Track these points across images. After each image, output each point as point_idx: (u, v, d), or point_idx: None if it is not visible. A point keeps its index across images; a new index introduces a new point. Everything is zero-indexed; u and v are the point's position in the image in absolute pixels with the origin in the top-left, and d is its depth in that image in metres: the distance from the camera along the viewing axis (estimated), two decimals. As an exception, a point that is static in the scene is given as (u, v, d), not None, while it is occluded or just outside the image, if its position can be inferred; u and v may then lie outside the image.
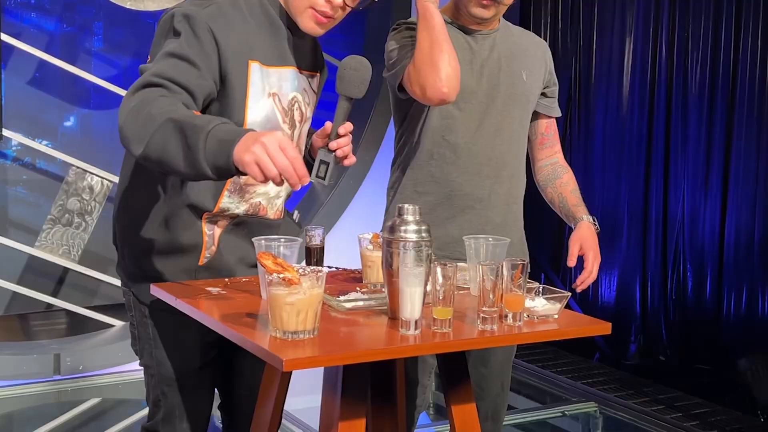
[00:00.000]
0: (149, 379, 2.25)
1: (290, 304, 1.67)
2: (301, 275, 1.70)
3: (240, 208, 2.16)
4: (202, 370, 2.22)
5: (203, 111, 2.04)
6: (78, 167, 4.38)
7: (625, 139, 5.10)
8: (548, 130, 2.71)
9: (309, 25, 2.12)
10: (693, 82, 4.78)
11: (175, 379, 2.19)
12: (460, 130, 2.51)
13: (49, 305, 4.40)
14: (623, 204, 5.12)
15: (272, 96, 2.12)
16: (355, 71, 2.06)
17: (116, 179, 4.28)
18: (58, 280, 4.46)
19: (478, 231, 2.42)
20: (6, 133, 4.20)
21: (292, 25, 2.16)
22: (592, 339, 5.04)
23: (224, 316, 1.82)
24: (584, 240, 2.57)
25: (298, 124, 2.21)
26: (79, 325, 4.55)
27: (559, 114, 2.72)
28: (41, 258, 4.34)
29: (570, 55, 5.30)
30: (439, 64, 2.30)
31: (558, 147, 2.76)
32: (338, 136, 2.09)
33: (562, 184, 2.72)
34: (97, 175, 4.40)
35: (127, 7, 4.38)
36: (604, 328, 1.87)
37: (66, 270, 4.43)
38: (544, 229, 4.98)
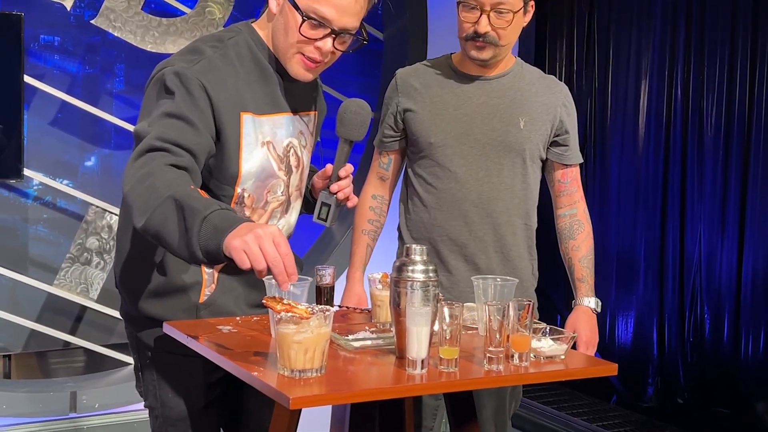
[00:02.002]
0: (154, 421, 2.27)
1: (298, 343, 1.70)
2: (309, 314, 1.72)
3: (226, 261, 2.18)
4: (206, 410, 2.24)
5: (203, 167, 2.07)
6: (97, 206, 4.43)
7: (641, 181, 5.08)
8: (564, 177, 2.71)
9: (298, 70, 2.15)
10: (708, 124, 4.77)
11: (179, 420, 2.22)
12: (446, 176, 2.55)
13: (67, 343, 4.42)
14: (640, 246, 5.10)
15: (266, 144, 2.15)
16: (354, 114, 2.11)
17: (136, 218, 4.37)
18: (75, 318, 4.48)
19: (465, 277, 2.47)
20: (27, 172, 4.25)
21: (282, 70, 2.18)
22: (609, 381, 5.01)
23: (234, 354, 1.85)
24: (577, 326, 2.61)
25: (294, 169, 2.24)
26: (96, 363, 4.57)
27: (576, 161, 2.71)
28: (59, 297, 4.37)
29: (585, 97, 5.31)
30: None
31: (579, 196, 2.75)
32: (339, 179, 2.13)
33: (573, 248, 2.73)
34: (116, 214, 4.42)
35: (148, 49, 4.46)
36: (610, 369, 1.89)
37: (84, 308, 4.45)
38: (558, 272, 4.97)
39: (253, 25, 2.21)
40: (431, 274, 1.87)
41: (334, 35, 2.09)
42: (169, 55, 4.38)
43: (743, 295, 4.64)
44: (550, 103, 2.66)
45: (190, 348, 2.01)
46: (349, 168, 2.15)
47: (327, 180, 2.17)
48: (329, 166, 2.17)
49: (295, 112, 2.24)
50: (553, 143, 2.67)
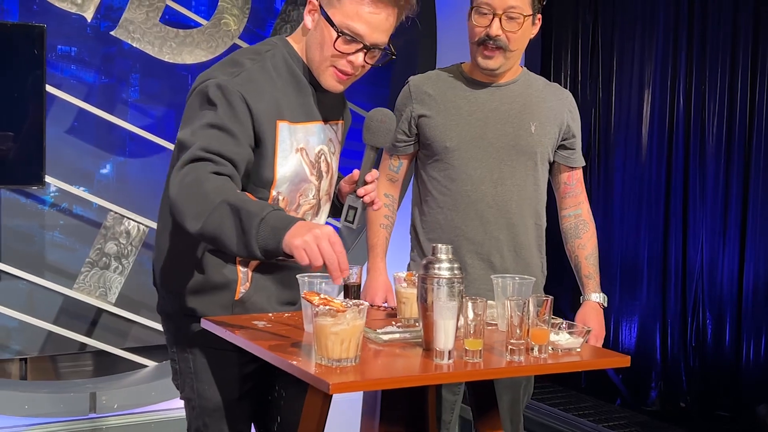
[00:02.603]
0: (190, 412, 2.41)
1: (335, 334, 1.85)
2: (345, 307, 1.87)
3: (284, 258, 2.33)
4: (241, 401, 2.38)
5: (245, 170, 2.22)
6: (116, 212, 4.54)
7: (643, 189, 5.17)
8: (570, 179, 2.87)
9: (331, 82, 2.31)
10: (710, 133, 4.86)
11: (215, 410, 2.36)
12: (461, 179, 2.70)
13: (82, 347, 4.54)
14: (643, 253, 5.19)
15: (300, 151, 2.31)
16: (381, 123, 2.25)
17: (152, 224, 4.51)
18: (91, 322, 4.60)
19: (480, 275, 2.62)
20: (47, 179, 4.33)
21: (315, 82, 2.34)
22: (614, 384, 5.11)
23: (272, 346, 1.99)
24: (587, 320, 2.76)
25: (324, 175, 2.39)
26: (111, 366, 4.68)
27: (580, 164, 2.88)
28: (75, 301, 4.47)
29: (590, 107, 5.42)
30: None
31: (583, 197, 2.91)
32: (365, 183, 2.28)
33: (579, 246, 2.89)
34: (133, 220, 4.56)
35: (166, 60, 4.59)
36: (623, 360, 2.04)
37: (99, 313, 4.57)
38: (565, 275, 5.05)
39: (288, 39, 2.37)
40: (456, 272, 2.01)
41: (365, 50, 2.25)
42: (183, 65, 4.56)
43: (744, 300, 4.72)
44: (557, 108, 2.82)
45: (226, 342, 2.16)
46: (374, 173, 2.29)
47: (353, 184, 2.31)
48: (356, 172, 2.31)
49: (325, 121, 2.40)
50: (561, 147, 2.83)
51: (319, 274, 2.17)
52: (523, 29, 2.63)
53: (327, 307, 1.86)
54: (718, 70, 4.79)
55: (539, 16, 2.67)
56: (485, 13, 2.62)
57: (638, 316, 5.20)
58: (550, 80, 5.08)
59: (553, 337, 2.05)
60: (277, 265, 2.36)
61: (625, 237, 5.27)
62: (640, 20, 5.12)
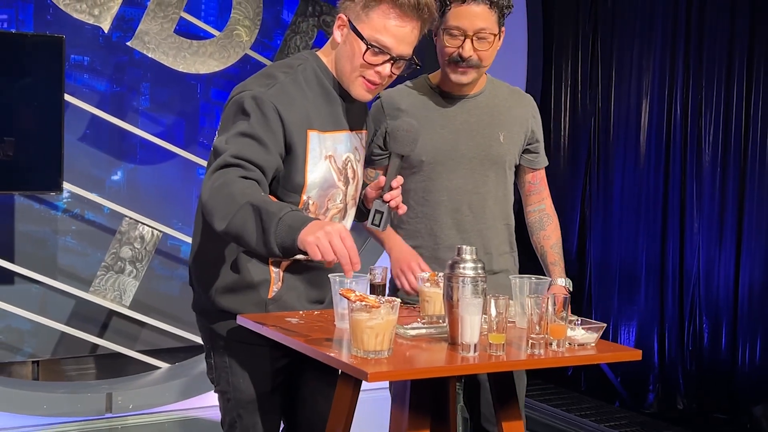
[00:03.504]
0: (225, 404, 2.56)
1: (370, 328, 2.02)
2: (379, 304, 2.05)
3: (300, 255, 2.49)
4: (273, 394, 2.54)
5: (273, 178, 2.38)
6: (131, 218, 4.66)
7: (642, 196, 5.26)
8: (534, 179, 3.06)
9: (360, 92, 2.48)
10: (707, 141, 4.93)
11: (249, 402, 2.51)
12: (438, 190, 2.85)
13: (93, 350, 4.66)
14: (641, 258, 5.28)
15: (328, 158, 2.47)
16: (407, 133, 2.44)
17: (166, 229, 4.66)
18: (102, 326, 4.73)
19: None
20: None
21: (344, 93, 2.51)
22: (613, 386, 5.22)
23: (308, 340, 2.16)
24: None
25: (351, 180, 2.55)
26: (119, 370, 4.80)
27: (543, 165, 3.06)
28: (87, 305, 4.58)
29: (589, 116, 5.54)
30: None
31: (546, 193, 3.09)
32: (391, 189, 2.44)
33: (545, 237, 3.05)
34: (148, 226, 4.68)
35: (180, 70, 4.73)
36: (635, 354, 2.21)
37: (110, 317, 4.69)
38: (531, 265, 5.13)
39: (317, 53, 2.53)
40: (480, 271, 2.19)
41: (392, 61, 2.42)
42: (192, 75, 4.70)
43: (740, 305, 4.81)
44: (522, 115, 2.98)
45: (259, 337, 2.31)
46: (400, 179, 2.46)
47: (379, 190, 2.47)
48: (382, 178, 2.47)
49: (352, 130, 2.57)
50: (525, 150, 3.00)
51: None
52: (492, 47, 2.78)
53: (363, 303, 2.03)
54: (715, 79, 4.89)
55: (503, 28, 2.81)
56: (456, 35, 2.74)
57: (636, 320, 5.31)
58: (550, 89, 5.20)
59: (569, 332, 2.22)
60: (306, 266, 2.51)
61: (624, 242, 5.37)
62: (639, 31, 5.24)
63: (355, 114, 2.58)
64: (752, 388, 4.73)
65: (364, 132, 2.68)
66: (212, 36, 4.83)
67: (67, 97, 4.48)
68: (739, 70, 4.78)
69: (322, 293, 2.57)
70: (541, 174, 3.07)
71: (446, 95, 2.88)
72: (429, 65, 2.95)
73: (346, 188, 2.54)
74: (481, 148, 2.87)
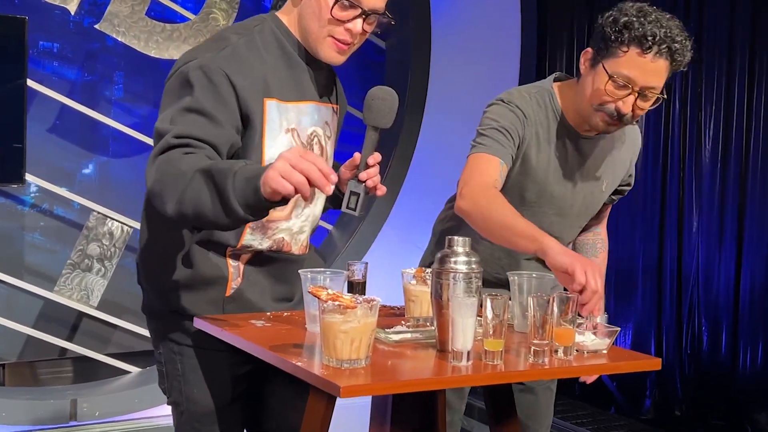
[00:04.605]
0: (178, 417, 2.23)
1: (344, 332, 1.67)
2: (355, 303, 1.69)
3: (263, 244, 2.16)
4: (232, 405, 2.21)
5: (229, 156, 2.06)
6: (99, 213, 4.41)
7: (639, 194, 5.05)
8: (605, 207, 2.73)
9: (329, 53, 2.15)
10: (706, 136, 4.79)
11: (205, 415, 2.18)
12: None
13: (62, 352, 4.40)
14: (638, 258, 5.11)
15: (291, 132, 2.14)
16: (382, 101, 2.07)
17: (136, 225, 4.35)
18: (71, 327, 4.46)
19: None
20: (27, 177, 4.22)
21: (309, 60, 2.18)
22: (609, 392, 5.02)
23: (273, 346, 1.81)
24: None
25: None
26: (92, 373, 4.54)
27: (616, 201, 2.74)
28: (56, 305, 4.35)
29: (585, 110, 5.33)
30: (486, 230, 2.24)
31: (606, 217, 2.77)
32: (367, 167, 2.10)
33: None
34: (117, 221, 4.43)
35: (152, 55, 4.46)
36: (653, 363, 1.87)
37: (80, 318, 4.43)
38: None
39: (277, 14, 2.20)
40: (474, 266, 1.84)
41: (364, 16, 2.10)
42: (169, 62, 4.41)
43: (741, 307, 4.63)
44: (627, 159, 2.61)
45: (217, 342, 1.99)
46: (377, 156, 2.12)
47: (355, 169, 2.14)
48: (357, 155, 2.14)
49: (320, 101, 2.24)
50: (614, 191, 2.66)
51: (322, 270, 2.00)
52: (651, 106, 2.37)
53: (336, 303, 1.68)
54: (715, 72, 4.71)
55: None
56: (621, 86, 2.30)
57: (633, 323, 5.10)
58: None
59: (578, 338, 1.87)
60: (271, 258, 2.19)
61: (620, 242, 5.14)
62: (636, 21, 5.03)
63: (323, 84, 2.25)
64: (753, 394, 4.56)
65: (335, 106, 2.34)
66: (187, 20, 4.56)
67: (36, 86, 4.25)
68: (741, 62, 4.61)
69: (290, 289, 2.24)
70: (609, 205, 2.76)
71: (570, 130, 2.46)
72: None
73: None
74: (586, 199, 2.52)
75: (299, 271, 2.00)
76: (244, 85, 2.04)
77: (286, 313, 2.15)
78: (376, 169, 2.11)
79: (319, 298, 1.70)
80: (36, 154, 4.25)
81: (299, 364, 1.69)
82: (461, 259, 1.84)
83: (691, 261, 4.86)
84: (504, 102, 2.42)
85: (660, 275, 5.01)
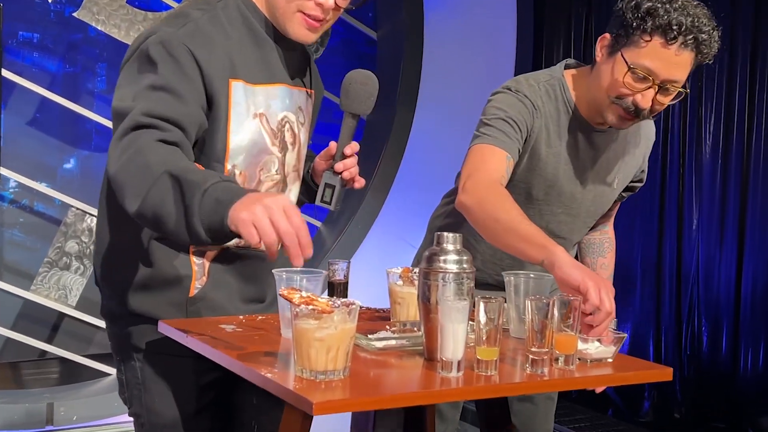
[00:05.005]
0: (139, 429, 2.02)
1: (320, 340, 1.47)
2: (331, 308, 1.49)
3: (232, 238, 1.95)
4: (198, 415, 1.99)
5: (197, 139, 1.87)
6: (78, 208, 4.25)
7: (637, 191, 4.94)
8: (614, 205, 2.53)
9: (299, 30, 1.96)
10: (707, 131, 4.70)
11: (168, 427, 1.97)
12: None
13: (43, 353, 4.23)
14: (636, 257, 5.00)
15: (259, 117, 1.95)
16: (361, 85, 1.92)
17: (117, 222, 4.16)
18: (52, 327, 4.30)
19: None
20: (3, 172, 4.07)
21: (279, 39, 1.99)
22: (607, 394, 4.91)
23: (243, 354, 1.61)
24: None
25: (290, 146, 2.02)
26: (73, 374, 4.38)
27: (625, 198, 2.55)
28: (36, 304, 4.19)
29: (581, 103, 5.21)
30: (485, 232, 2.03)
31: (613, 215, 2.59)
32: (344, 157, 1.95)
33: (601, 265, 2.54)
34: (96, 217, 4.21)
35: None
36: (664, 373, 1.67)
37: (61, 317, 4.27)
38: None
39: None
40: (465, 265, 1.63)
41: None
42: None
43: (742, 307, 4.56)
44: (640, 154, 2.41)
45: (180, 347, 1.78)
46: (354, 146, 1.95)
47: (330, 160, 1.97)
48: (333, 144, 1.96)
49: (292, 84, 2.04)
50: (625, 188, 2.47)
51: (298, 270, 1.79)
52: (670, 101, 2.17)
53: (310, 308, 1.47)
54: (716, 66, 4.62)
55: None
56: (641, 78, 2.09)
57: (631, 323, 5.00)
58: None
59: (580, 345, 1.67)
60: (239, 255, 1.98)
61: (618, 239, 4.89)
62: (635, 12, 4.93)
63: (295, 67, 2.05)
64: (755, 396, 4.50)
65: (309, 91, 2.13)
66: (170, 8, 4.40)
67: (14, 78, 4.12)
68: (743, 56, 4.55)
69: (260, 290, 2.04)
70: (618, 203, 2.56)
71: (582, 122, 2.25)
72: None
73: (284, 155, 2.01)
74: (596, 197, 2.32)
75: (273, 271, 1.79)
76: (208, 61, 1.85)
77: (260, 317, 1.94)
78: (353, 160, 1.95)
79: (291, 302, 1.50)
80: (15, 148, 4.12)
81: (269, 376, 1.49)
82: (451, 257, 1.63)
83: (691, 259, 4.80)
84: (511, 91, 2.20)
85: (659, 274, 4.93)
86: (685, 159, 4.77)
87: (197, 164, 1.86)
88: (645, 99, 2.08)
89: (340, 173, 1.92)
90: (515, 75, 3.87)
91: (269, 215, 1.53)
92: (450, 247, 1.64)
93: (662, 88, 2.08)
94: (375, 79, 1.93)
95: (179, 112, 1.77)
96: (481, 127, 2.16)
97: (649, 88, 2.07)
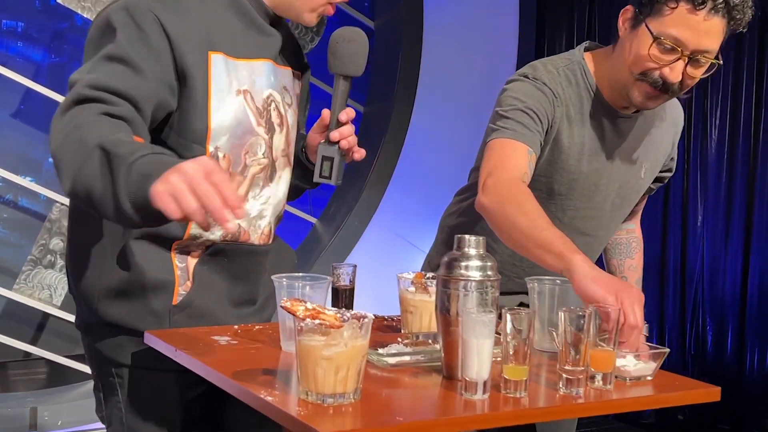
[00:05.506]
0: None
1: (327, 359, 1.27)
2: (341, 321, 1.28)
3: (215, 233, 1.75)
4: None
5: (164, 123, 1.69)
6: (63, 204, 4.08)
7: (667, 181, 4.90)
8: (642, 198, 2.32)
9: (310, 18, 1.82)
10: (712, 125, 4.61)
11: None
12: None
13: (28, 354, 4.06)
14: None
15: (242, 93, 1.76)
16: (349, 43, 1.74)
17: (104, 218, 4.00)
18: (37, 326, 4.13)
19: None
20: None
21: (262, 13, 1.81)
22: None
23: (238, 373, 1.40)
24: None
25: (278, 128, 1.83)
26: (59, 376, 4.19)
27: (655, 191, 2.34)
28: (19, 303, 4.04)
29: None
30: (505, 234, 1.84)
31: (640, 212, 2.38)
32: (340, 125, 1.76)
33: (630, 267, 2.34)
34: (68, 216, 4.07)
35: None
36: (712, 393, 1.48)
37: (46, 316, 4.10)
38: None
39: None
40: (489, 272, 1.43)
41: None
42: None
43: (748, 305, 4.51)
44: (669, 140, 2.20)
45: (164, 360, 1.60)
46: (350, 112, 1.77)
47: (325, 130, 1.78)
48: (326, 112, 1.78)
49: (278, 63, 1.86)
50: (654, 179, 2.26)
51: (299, 275, 1.60)
52: (703, 74, 1.96)
53: (316, 322, 1.27)
54: (723, 58, 4.42)
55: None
56: (669, 49, 1.89)
57: None
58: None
59: (618, 361, 1.47)
60: (226, 251, 1.78)
61: (621, 236, 4.93)
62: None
63: (281, 44, 1.87)
64: (761, 397, 4.43)
65: (296, 73, 1.96)
66: None
67: None
68: (749, 48, 4.49)
69: (251, 290, 1.85)
70: (646, 196, 2.34)
71: (606, 107, 2.04)
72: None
73: (271, 138, 1.81)
74: (621, 187, 2.11)
75: (273, 277, 1.59)
76: (180, 33, 1.66)
77: (257, 327, 1.74)
78: (350, 128, 1.77)
79: (294, 315, 1.29)
80: (-2, 140, 4.00)
81: (270, 399, 1.28)
82: (474, 263, 1.43)
83: (696, 256, 4.74)
84: (528, 78, 1.99)
85: (662, 271, 4.86)
86: (690, 153, 4.69)
87: (174, 149, 1.68)
88: (674, 72, 1.88)
89: (337, 143, 1.74)
90: (517, 69, 3.71)
91: (187, 181, 1.33)
92: (472, 251, 1.44)
93: (692, 59, 1.87)
94: (364, 35, 1.76)
95: (132, 86, 1.59)
96: (498, 120, 1.95)
97: (678, 59, 1.87)
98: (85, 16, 4.08)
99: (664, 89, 1.90)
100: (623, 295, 1.52)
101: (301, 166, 1.94)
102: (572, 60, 2.05)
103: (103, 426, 3.63)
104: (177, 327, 1.72)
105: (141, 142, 1.53)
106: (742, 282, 4.50)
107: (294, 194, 2.02)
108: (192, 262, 1.75)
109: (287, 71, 1.89)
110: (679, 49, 1.85)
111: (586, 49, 2.08)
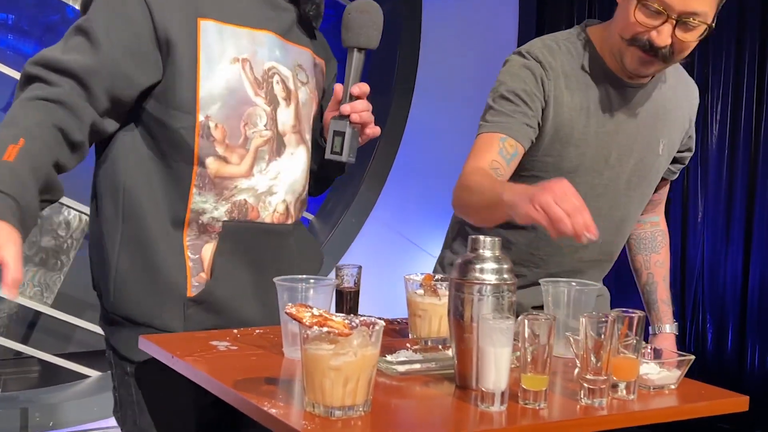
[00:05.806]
0: None
1: (336, 369, 1.18)
2: (350, 329, 1.19)
3: (219, 209, 1.69)
4: None
5: (145, 96, 1.65)
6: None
7: (687, 162, 4.86)
8: (662, 186, 2.23)
9: None
10: (713, 120, 4.56)
11: None
12: None
13: (18, 352, 4.00)
14: None
15: (241, 62, 1.69)
16: (362, 14, 1.69)
17: (97, 214, 3.93)
18: (29, 325, 4.07)
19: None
20: None
21: None
22: None
23: (239, 383, 1.31)
24: None
25: (282, 101, 1.76)
26: (51, 375, 4.13)
27: (677, 175, 2.26)
28: (12, 301, 3.88)
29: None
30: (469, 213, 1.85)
31: (663, 202, 2.29)
32: (352, 99, 1.70)
33: (656, 263, 2.28)
34: (74, 209, 4.04)
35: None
36: (740, 402, 1.40)
37: (38, 314, 4.03)
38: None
39: None
40: (506, 275, 1.34)
41: None
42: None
43: (749, 303, 4.41)
44: (685, 117, 2.13)
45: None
46: (364, 86, 1.70)
47: (337, 105, 1.72)
48: (338, 87, 1.72)
49: (285, 38, 1.80)
50: (672, 160, 2.17)
51: (301, 277, 1.51)
52: (697, 38, 1.89)
53: (324, 329, 1.18)
54: (723, 52, 4.55)
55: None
56: (653, 12, 1.83)
57: None
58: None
59: (641, 369, 1.39)
60: (241, 233, 1.71)
61: (620, 233, 4.89)
62: (640, -3, 4.82)
63: (290, 23, 1.82)
64: (762, 396, 4.33)
65: (317, 58, 1.90)
66: None
67: None
68: (751, 42, 4.46)
69: (273, 275, 1.70)
70: (668, 184, 2.27)
71: (611, 76, 1.98)
72: None
73: (274, 110, 1.74)
74: (635, 161, 2.02)
75: (274, 279, 1.50)
76: (162, 1, 1.62)
77: (257, 330, 1.65)
78: (363, 103, 1.69)
79: (300, 322, 1.20)
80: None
81: (274, 411, 1.19)
82: (489, 266, 1.34)
83: (696, 253, 4.70)
84: (521, 55, 1.94)
85: None
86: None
87: (162, 120, 1.65)
88: (661, 36, 1.81)
89: (348, 116, 1.67)
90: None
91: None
92: (487, 253, 1.35)
93: (680, 22, 1.81)
94: (377, 6, 1.69)
95: (79, 60, 1.56)
96: (485, 113, 1.93)
97: (665, 23, 1.80)
98: (76, 8, 3.99)
99: (653, 53, 1.83)
100: (537, 197, 1.47)
101: (320, 151, 1.85)
102: (573, 33, 2.01)
103: (96, 426, 3.57)
104: (192, 322, 1.66)
105: (13, 167, 1.51)
106: (742, 280, 4.46)
107: (323, 185, 1.98)
108: (207, 251, 1.68)
109: (304, 52, 1.84)
110: (665, 13, 1.79)
111: (587, 26, 2.02)
